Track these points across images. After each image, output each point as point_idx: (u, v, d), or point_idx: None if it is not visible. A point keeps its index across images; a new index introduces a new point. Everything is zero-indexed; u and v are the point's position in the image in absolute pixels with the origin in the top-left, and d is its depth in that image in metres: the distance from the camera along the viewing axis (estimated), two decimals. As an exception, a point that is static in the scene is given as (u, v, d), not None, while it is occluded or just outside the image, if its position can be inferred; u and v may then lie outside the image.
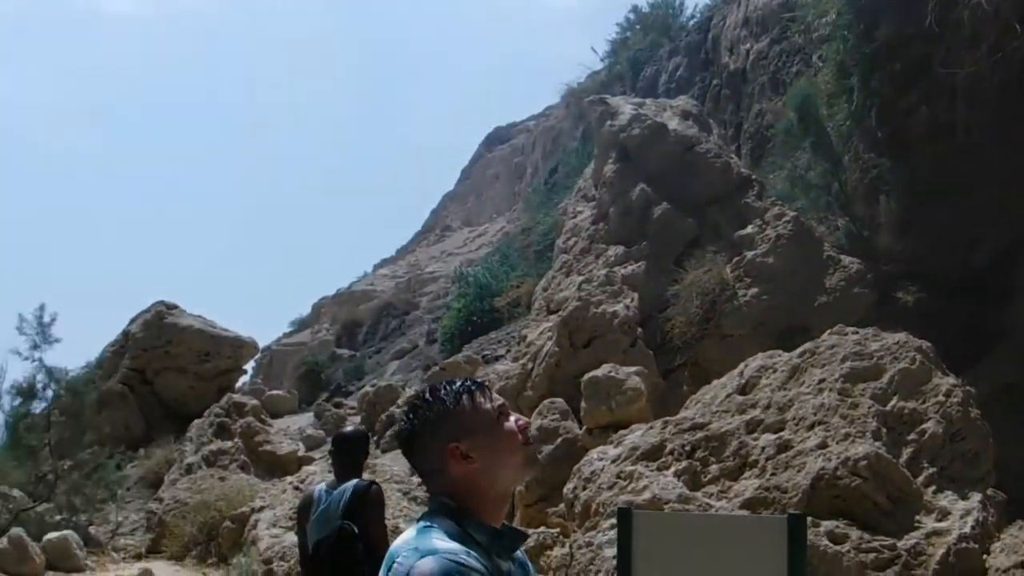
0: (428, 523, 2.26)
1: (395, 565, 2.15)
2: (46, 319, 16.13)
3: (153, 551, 16.83)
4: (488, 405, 2.36)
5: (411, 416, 2.39)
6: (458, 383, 2.40)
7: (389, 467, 16.43)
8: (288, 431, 22.37)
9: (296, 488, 13.69)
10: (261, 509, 13.54)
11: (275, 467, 18.96)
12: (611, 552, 8.77)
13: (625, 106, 17.25)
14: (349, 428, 7.48)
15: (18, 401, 16.67)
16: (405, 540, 2.23)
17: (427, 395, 2.39)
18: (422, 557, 2.11)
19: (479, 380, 2.45)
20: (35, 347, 16.10)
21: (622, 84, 36.34)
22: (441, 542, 2.16)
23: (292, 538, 12.62)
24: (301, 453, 20.24)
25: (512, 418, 2.39)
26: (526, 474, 2.42)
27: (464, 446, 2.29)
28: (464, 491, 2.30)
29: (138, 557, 16.53)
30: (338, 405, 27.80)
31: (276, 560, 12.23)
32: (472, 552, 2.15)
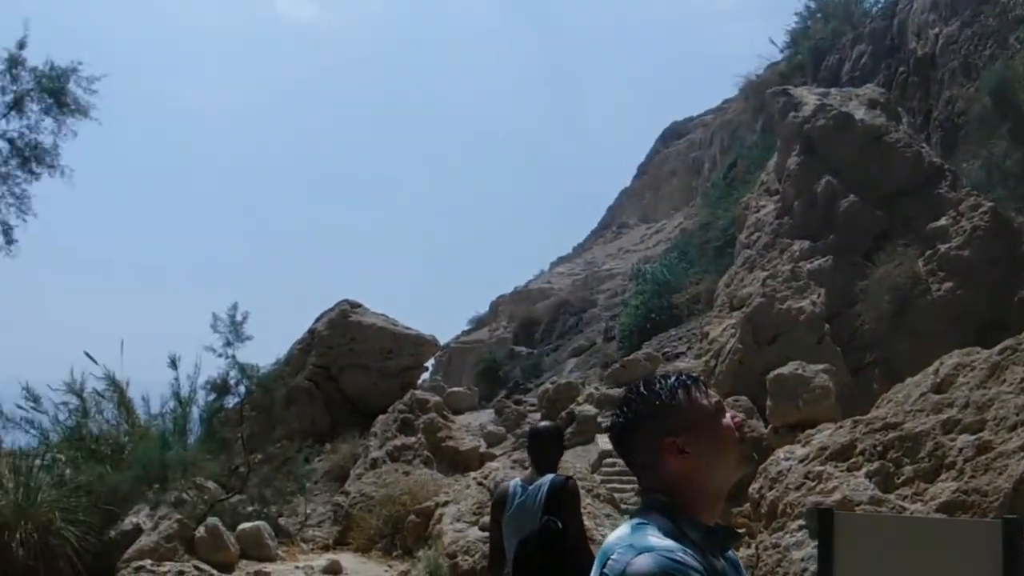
0: (642, 519, 2.21)
1: (610, 562, 2.10)
2: (238, 318, 16.70)
3: (340, 543, 17.21)
4: (705, 400, 2.32)
5: (625, 409, 2.37)
6: (673, 377, 2.37)
7: (571, 464, 16.21)
8: (469, 427, 22.57)
9: (480, 484, 13.63)
10: (445, 504, 13.55)
11: (457, 463, 19.09)
12: (799, 554, 8.38)
13: (809, 96, 16.62)
14: (543, 423, 7.33)
15: (212, 397, 17.35)
16: (619, 537, 2.19)
17: (641, 389, 2.36)
18: (638, 554, 2.06)
19: (694, 375, 2.41)
20: (228, 344, 16.69)
21: (803, 74, 35.12)
22: (657, 539, 2.11)
23: (476, 533, 12.57)
24: (483, 449, 20.34)
25: (728, 414, 2.34)
26: (740, 471, 2.35)
27: (680, 441, 2.26)
28: (679, 487, 2.26)
29: (326, 548, 16.93)
30: (518, 402, 27.97)
31: (461, 554, 12.20)
32: (688, 550, 2.10)
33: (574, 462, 17.32)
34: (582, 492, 14.91)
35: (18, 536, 13.37)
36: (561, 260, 72.13)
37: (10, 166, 9.64)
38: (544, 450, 6.18)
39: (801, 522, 8.47)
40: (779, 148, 17.67)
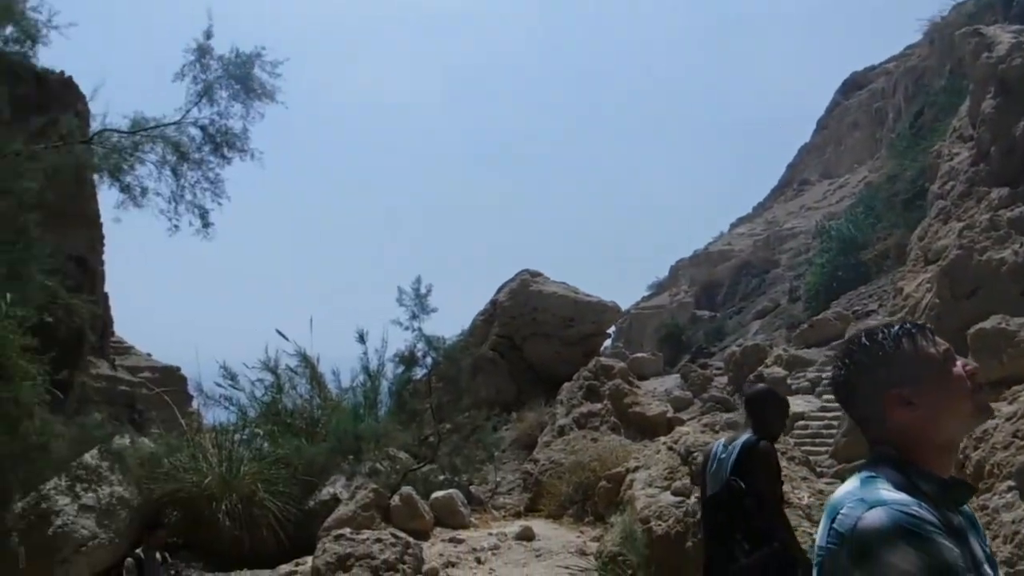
0: (871, 472, 2.14)
1: (839, 516, 2.05)
2: (423, 290, 16.89)
3: (531, 509, 17.22)
4: (932, 349, 2.21)
5: (846, 362, 2.28)
6: (897, 327, 2.27)
7: (764, 427, 15.66)
8: (655, 393, 22.23)
9: (670, 449, 13.27)
10: (636, 469, 13.25)
11: (645, 428, 18.79)
12: (1009, 516, 8.00)
13: (1003, 35, 15.42)
14: (758, 386, 7.22)
15: (400, 369, 17.64)
16: (848, 491, 2.12)
17: (863, 340, 2.28)
18: (870, 508, 1.99)
19: (920, 323, 2.31)
20: (414, 317, 16.90)
21: (993, 13, 32.82)
22: (888, 493, 2.03)
23: (669, 498, 12.25)
24: (670, 414, 19.95)
25: (959, 362, 2.22)
26: (976, 422, 2.24)
27: (906, 392, 2.16)
28: (907, 440, 2.16)
29: (517, 515, 16.97)
30: (704, 366, 27.41)
31: (654, 519, 11.91)
32: (923, 504, 2.01)
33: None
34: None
35: (224, 507, 14.00)
36: (741, 220, 70.30)
37: (203, 152, 10.03)
38: (753, 411, 6.17)
39: (1011, 483, 8.03)
40: (971, 92, 16.48)
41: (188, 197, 9.80)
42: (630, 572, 11.08)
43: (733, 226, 69.49)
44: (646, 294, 63.56)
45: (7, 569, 11.62)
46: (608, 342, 32.14)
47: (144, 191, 9.35)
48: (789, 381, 24.51)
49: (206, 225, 10.32)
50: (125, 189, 9.07)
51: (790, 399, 22.50)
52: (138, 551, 7.98)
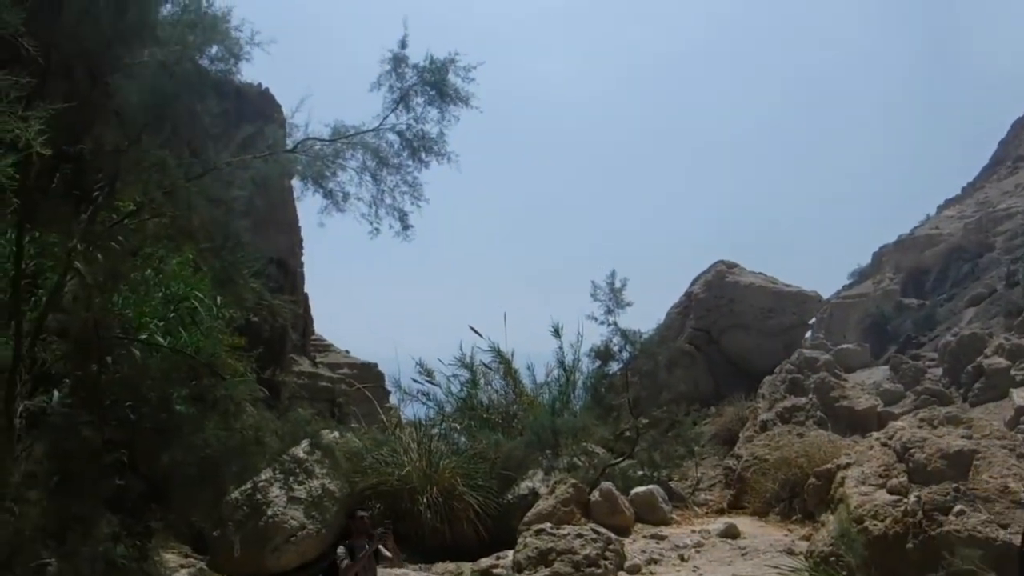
0: None
1: None
2: (617, 284, 16.63)
3: (734, 506, 16.77)
4: None
5: None
6: None
7: (987, 421, 14.57)
8: (863, 386, 21.14)
9: (884, 444, 12.53)
10: (847, 466, 12.60)
11: (854, 423, 17.96)
12: None
13: None
14: None
15: (596, 364, 17.48)
16: None
17: None
18: None
19: None
20: (609, 312, 16.66)
21: None
22: None
23: (885, 496, 11.56)
24: (880, 408, 18.97)
25: None
26: None
27: None
28: None
29: (720, 512, 16.56)
30: (915, 357, 25.88)
31: (869, 519, 11.27)
32: None
33: (990, 419, 15.59)
34: (1006, 452, 13.34)
35: (425, 500, 14.32)
36: (949, 202, 66.36)
37: (402, 157, 10.22)
38: None
39: None
40: None
41: (388, 201, 10.01)
42: (845, 574, 10.52)
43: (940, 208, 65.70)
44: (848, 282, 60.89)
45: (224, 556, 12.19)
46: (808, 333, 31.03)
47: (346, 196, 9.62)
48: (1012, 372, 22.80)
49: (406, 228, 10.49)
50: (328, 195, 9.35)
51: (1014, 391, 20.96)
52: (348, 542, 8.15)
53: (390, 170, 9.64)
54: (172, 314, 8.49)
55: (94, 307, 7.08)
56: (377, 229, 9.71)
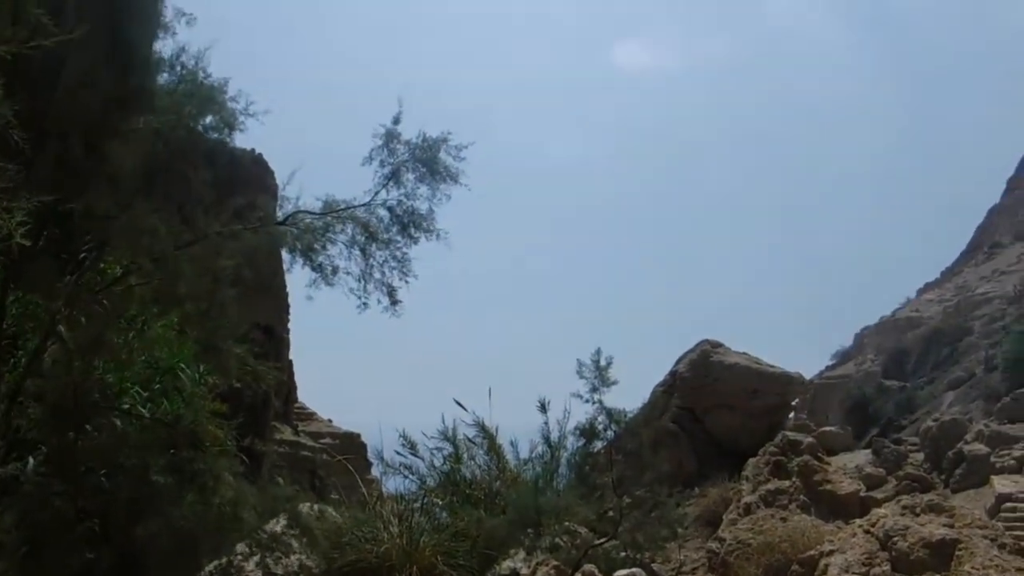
0: None
1: None
2: (602, 363, 16.45)
3: (717, 592, 16.46)
4: None
5: None
6: None
7: (968, 510, 14.40)
8: (846, 469, 20.98)
9: (867, 532, 12.38)
10: (831, 553, 12.44)
11: (837, 507, 17.76)
12: None
13: None
14: None
15: (581, 442, 17.20)
16: None
17: None
18: None
19: None
20: (594, 390, 16.43)
21: None
22: None
23: (870, 587, 11.38)
24: (863, 493, 18.80)
25: None
26: None
27: None
28: None
29: (703, 599, 16.24)
30: (897, 442, 25.73)
31: (850, 611, 11.08)
32: None
33: (969, 507, 15.41)
34: (988, 543, 13.12)
35: (405, 578, 13.91)
36: (928, 286, 66.97)
37: (391, 232, 10.21)
38: None
39: None
40: None
41: (377, 276, 9.97)
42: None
43: (920, 291, 66.31)
44: (830, 363, 61.10)
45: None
46: (791, 415, 30.96)
47: (335, 270, 9.58)
48: (992, 459, 22.68)
49: (394, 303, 10.44)
50: (317, 268, 9.30)
51: (995, 478, 20.83)
52: None
53: (379, 245, 9.60)
54: (157, 384, 8.34)
55: (74, 372, 6.92)
56: (365, 304, 9.65)
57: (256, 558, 12.32)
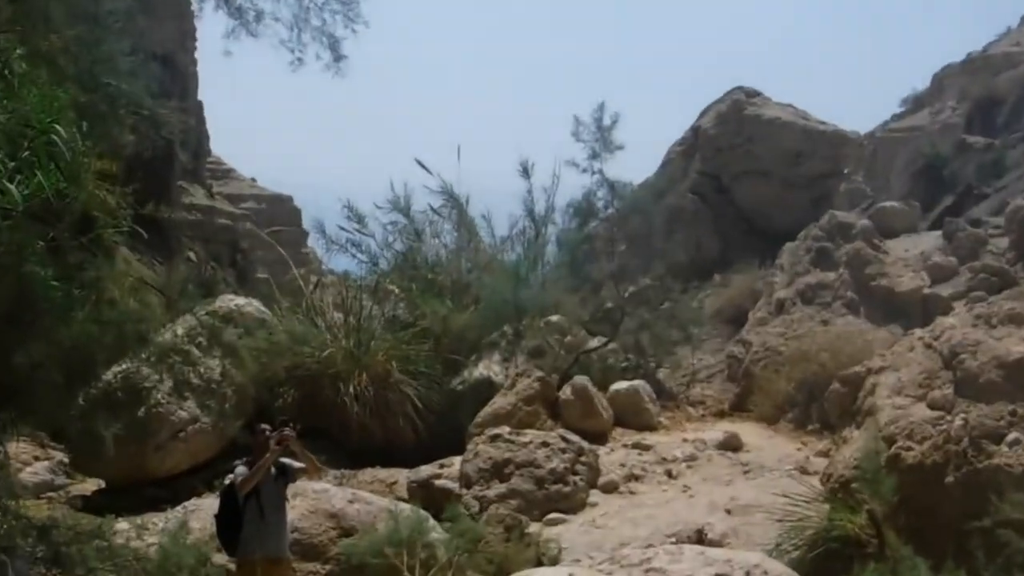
0: None
1: None
2: (606, 121, 16.26)
3: (737, 408, 17.07)
4: None
5: None
6: None
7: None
8: (907, 258, 21.25)
9: (928, 346, 12.71)
10: (881, 370, 12.79)
11: (893, 308, 18.19)
12: None
13: None
14: None
15: (575, 223, 17.19)
16: None
17: None
18: None
19: None
20: (594, 156, 16.35)
21: None
22: None
23: (924, 412, 11.70)
24: (926, 289, 19.12)
25: None
26: None
27: None
28: None
29: (720, 415, 16.79)
30: (976, 223, 25.99)
31: (902, 438, 11.45)
32: None
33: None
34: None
35: (351, 389, 14.28)
36: (1034, 14, 65.90)
37: (331, -42, 9.78)
38: None
39: None
40: None
41: (315, 22, 9.72)
42: (867, 508, 10.77)
43: (1024, 22, 65.29)
44: (898, 111, 60.84)
45: (93, 455, 12.05)
46: (843, 186, 31.15)
47: (259, 15, 9.33)
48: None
49: (338, 58, 10.21)
50: (236, 12, 9.07)
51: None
52: (247, 459, 8.11)
53: (317, -21, 9.35)
54: (26, 152, 8.26)
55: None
56: (300, 59, 9.48)
57: (163, 364, 12.62)
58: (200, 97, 30.93)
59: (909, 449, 11.35)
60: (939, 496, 10.13)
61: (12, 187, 7.67)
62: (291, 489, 8.69)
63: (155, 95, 10.87)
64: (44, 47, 7.77)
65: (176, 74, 26.06)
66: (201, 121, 31.00)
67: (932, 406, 11.40)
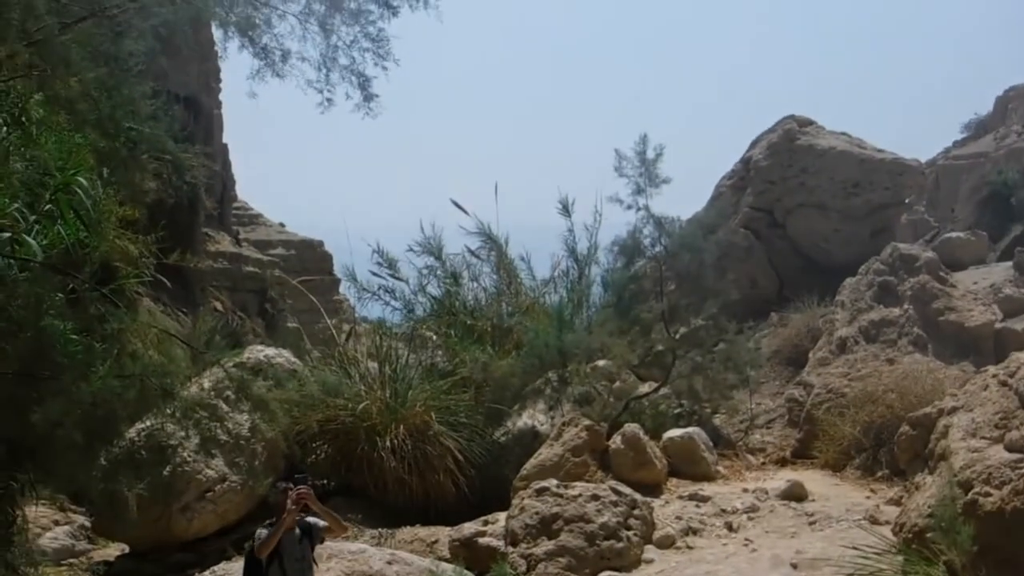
0: None
1: None
2: (650, 155, 16.19)
3: (800, 455, 16.88)
4: None
5: None
6: None
7: None
8: (976, 291, 21.11)
9: (1003, 384, 12.52)
10: (952, 411, 12.61)
11: (963, 344, 18.01)
12: None
13: None
14: None
15: (620, 262, 17.17)
16: None
17: None
18: None
19: None
20: (639, 191, 16.30)
21: None
22: None
23: (1001, 455, 11.56)
24: (999, 324, 18.98)
25: None
26: None
27: None
28: None
29: (781, 463, 16.67)
30: (1050, 250, 25.83)
31: (979, 483, 11.28)
32: None
33: None
34: None
35: (388, 443, 14.22)
36: (1103, 30, 65.64)
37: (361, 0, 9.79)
38: None
39: None
40: None
41: (343, 61, 9.73)
42: (944, 559, 10.61)
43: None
44: (959, 137, 60.61)
45: (116, 519, 12.05)
46: (904, 217, 30.94)
47: (286, 55, 9.33)
48: None
49: (368, 98, 10.20)
50: (261, 53, 9.07)
51: None
52: (270, 521, 8.04)
53: (345, 18, 9.35)
54: (47, 205, 8.28)
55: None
56: (329, 99, 9.48)
57: (191, 422, 12.59)
58: (225, 140, 31.20)
59: (987, 495, 11.14)
60: (1022, 544, 9.97)
61: (30, 239, 7.68)
62: (325, 550, 8.61)
63: (178, 139, 10.95)
64: (63, 91, 7.84)
65: (200, 117, 26.22)
66: (227, 165, 31.23)
67: (1010, 448, 11.23)
